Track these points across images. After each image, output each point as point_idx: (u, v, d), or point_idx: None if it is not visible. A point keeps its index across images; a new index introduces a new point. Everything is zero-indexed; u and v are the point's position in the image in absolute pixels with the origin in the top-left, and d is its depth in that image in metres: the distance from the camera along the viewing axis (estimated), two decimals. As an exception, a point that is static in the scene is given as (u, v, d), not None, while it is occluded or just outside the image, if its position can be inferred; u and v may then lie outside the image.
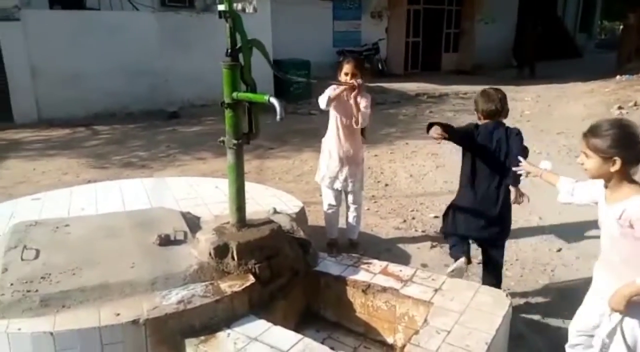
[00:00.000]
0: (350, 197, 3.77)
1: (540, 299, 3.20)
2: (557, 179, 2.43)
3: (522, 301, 3.17)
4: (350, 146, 3.61)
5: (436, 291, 2.52)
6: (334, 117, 3.60)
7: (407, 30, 15.75)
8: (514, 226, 4.16)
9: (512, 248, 3.96)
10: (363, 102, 3.48)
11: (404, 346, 2.14)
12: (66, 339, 1.96)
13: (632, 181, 2.00)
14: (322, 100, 3.52)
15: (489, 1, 16.43)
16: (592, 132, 2.02)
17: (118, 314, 2.04)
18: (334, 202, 3.71)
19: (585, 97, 10.36)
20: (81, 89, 8.87)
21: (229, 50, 2.35)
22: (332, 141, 3.62)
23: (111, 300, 2.14)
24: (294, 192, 4.02)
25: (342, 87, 3.45)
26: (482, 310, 2.36)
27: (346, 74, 3.45)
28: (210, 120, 8.97)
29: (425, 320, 2.30)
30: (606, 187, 2.07)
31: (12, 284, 2.16)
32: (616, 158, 1.94)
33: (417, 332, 2.21)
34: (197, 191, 3.64)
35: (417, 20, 15.82)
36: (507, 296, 2.51)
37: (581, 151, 2.07)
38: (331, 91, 3.52)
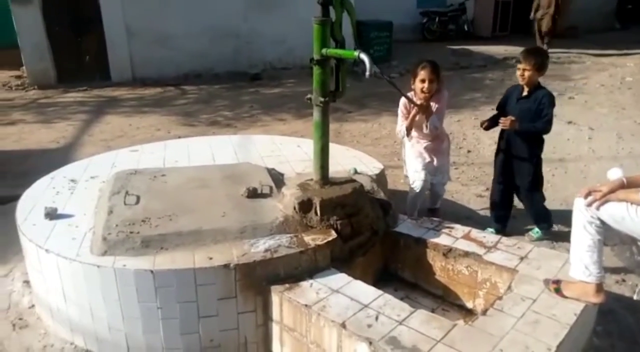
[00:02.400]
0: (435, 185, 3.71)
1: (633, 276, 3.01)
2: (638, 195, 2.08)
3: (614, 277, 3.00)
4: (437, 144, 3.52)
5: (522, 259, 2.44)
6: (414, 128, 3.47)
7: (497, -11, 14.73)
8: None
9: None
10: (436, 105, 3.34)
11: (485, 311, 2.11)
12: (164, 277, 2.14)
13: None
14: (400, 133, 3.48)
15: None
16: None
17: (211, 258, 2.18)
18: (422, 192, 3.50)
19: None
20: (171, 49, 9.26)
21: (321, 6, 2.33)
22: (414, 151, 3.53)
23: (204, 245, 2.29)
24: (372, 155, 4.00)
25: (413, 114, 3.32)
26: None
27: (422, 81, 3.28)
28: (291, 83, 9.07)
29: (509, 287, 2.25)
30: None
31: (117, 225, 2.37)
32: None
33: (500, 298, 2.17)
34: (280, 149, 3.73)
35: (508, -22, 14.74)
36: (599, 269, 2.38)
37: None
38: (402, 116, 3.44)
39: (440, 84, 3.39)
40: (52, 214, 2.59)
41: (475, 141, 5.67)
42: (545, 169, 4.67)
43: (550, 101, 3.20)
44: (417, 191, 3.46)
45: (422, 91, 3.31)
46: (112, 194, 2.70)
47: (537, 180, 3.43)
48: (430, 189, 3.69)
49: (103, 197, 2.76)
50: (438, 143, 3.53)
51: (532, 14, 11.34)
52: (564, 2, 12.33)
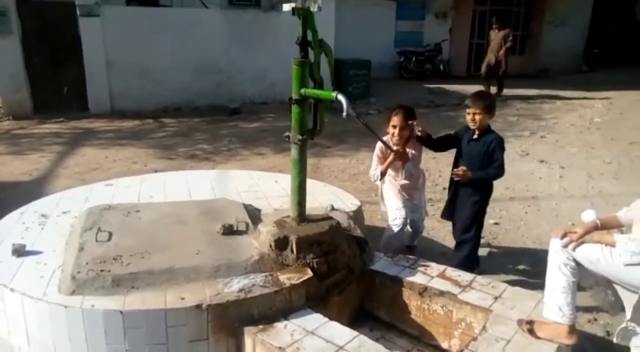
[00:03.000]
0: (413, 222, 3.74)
1: (605, 316, 3.04)
2: (612, 237, 2.15)
3: (586, 316, 3.03)
4: (409, 187, 3.54)
5: (496, 298, 2.46)
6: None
7: (471, 32, 15.34)
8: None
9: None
10: (412, 152, 3.38)
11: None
12: (134, 318, 2.07)
13: None
14: (373, 177, 3.52)
15: (559, 2, 15.69)
16: None
17: (183, 298, 2.14)
18: (400, 231, 3.49)
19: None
20: (151, 82, 9.30)
21: (300, 47, 2.39)
22: (392, 188, 3.56)
23: (177, 284, 2.24)
24: (349, 191, 4.03)
25: (389, 161, 3.37)
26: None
27: (394, 127, 3.32)
28: (270, 117, 9.15)
29: (484, 327, 2.25)
30: None
31: (87, 263, 2.31)
32: None
33: (475, 339, 2.17)
34: (258, 185, 3.73)
35: (482, 21, 15.37)
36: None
37: None
38: (376, 160, 3.48)
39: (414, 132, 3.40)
40: (19, 251, 2.52)
41: (451, 178, 5.75)
42: (519, 207, 4.80)
43: (500, 145, 3.20)
44: (397, 229, 3.45)
45: (393, 136, 3.36)
46: (84, 230, 2.64)
47: (474, 224, 3.31)
48: (410, 225, 3.71)
49: (74, 233, 2.69)
50: (414, 181, 3.57)
51: (483, 67, 11.28)
52: (537, 43, 12.76)
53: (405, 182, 3.53)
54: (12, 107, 8.60)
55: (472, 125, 3.22)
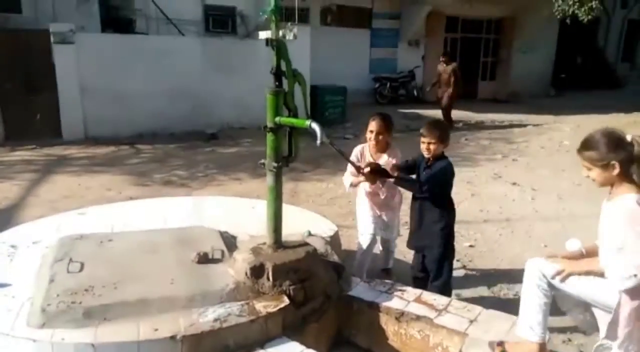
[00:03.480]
0: (384, 241, 3.77)
1: (579, 336, 3.09)
2: (598, 265, 2.24)
3: (560, 337, 3.07)
4: (383, 204, 3.54)
5: (471, 322, 2.48)
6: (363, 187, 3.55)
7: (444, 58, 15.78)
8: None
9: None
10: (393, 161, 3.39)
11: (437, 377, 2.11)
12: (106, 351, 2.03)
13: (631, 181, 2.15)
14: (346, 185, 3.54)
15: (527, 31, 16.30)
16: (585, 146, 2.22)
17: (156, 330, 2.10)
18: (369, 250, 3.51)
19: (628, 128, 10.06)
20: (127, 109, 9.24)
21: (274, 77, 2.43)
22: (364, 205, 3.55)
23: (150, 315, 2.20)
24: (327, 215, 4.05)
25: (358, 180, 3.39)
26: (520, 345, 2.31)
27: (371, 132, 3.39)
28: (247, 143, 9.16)
29: (460, 351, 2.26)
30: (610, 192, 2.23)
31: (58, 295, 2.26)
32: (614, 162, 2.13)
33: (451, 363, 2.18)
34: (234, 211, 3.72)
35: (454, 48, 15.84)
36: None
37: (583, 166, 2.25)
38: (349, 175, 3.49)
39: (390, 139, 3.47)
40: (-13, 284, 2.45)
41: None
42: (492, 229, 4.87)
43: (441, 171, 3.13)
44: (365, 246, 3.47)
45: (370, 140, 3.41)
46: (55, 261, 2.59)
47: (446, 250, 3.21)
48: (381, 244, 3.72)
49: (45, 264, 2.63)
50: (388, 198, 3.56)
51: (429, 87, 11.48)
52: (507, 69, 13.00)
53: (379, 198, 3.51)
54: (-18, 134, 8.43)
55: (426, 154, 3.20)
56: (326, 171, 7.19)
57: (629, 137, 2.15)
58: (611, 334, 2.19)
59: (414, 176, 3.30)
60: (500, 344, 2.28)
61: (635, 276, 2.01)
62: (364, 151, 3.53)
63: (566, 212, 5.42)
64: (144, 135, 9.34)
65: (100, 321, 2.15)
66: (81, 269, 2.49)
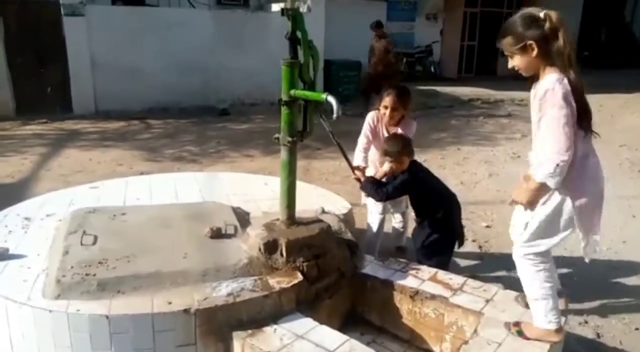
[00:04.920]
0: (397, 215, 3.73)
1: (596, 319, 3.05)
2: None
3: (577, 318, 3.03)
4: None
5: (487, 301, 2.44)
6: (373, 152, 3.51)
7: (462, 34, 15.44)
8: (570, 242, 4.01)
9: (569, 265, 3.81)
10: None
11: (452, 356, 2.08)
12: (120, 323, 2.02)
13: (554, 65, 2.04)
14: (357, 159, 3.51)
15: (549, 6, 15.81)
16: (502, 33, 2.12)
17: (170, 303, 2.09)
18: (379, 227, 3.50)
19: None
20: (137, 83, 9.19)
21: (289, 48, 2.36)
22: (377, 164, 3.51)
23: (163, 288, 2.19)
24: (340, 193, 4.00)
25: (353, 177, 3.39)
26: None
27: (385, 107, 3.31)
28: (259, 119, 9.10)
29: (475, 330, 2.23)
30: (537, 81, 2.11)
31: (72, 267, 2.25)
32: (530, 42, 2.03)
33: (466, 343, 2.15)
34: (246, 187, 3.68)
35: (473, 23, 15.49)
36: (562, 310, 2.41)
37: (507, 57, 2.15)
38: (364, 138, 3.47)
39: (408, 113, 3.39)
40: (2, 255, 2.45)
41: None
42: (510, 209, 4.78)
43: (400, 182, 3.13)
44: (375, 227, 3.43)
45: (384, 116, 3.33)
46: (69, 234, 2.58)
47: (431, 246, 3.17)
48: (394, 220, 3.68)
49: (59, 236, 2.63)
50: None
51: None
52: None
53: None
54: (-5, 108, 8.46)
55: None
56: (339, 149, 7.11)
57: (542, 14, 2.02)
58: (582, 225, 2.13)
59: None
60: (517, 324, 2.24)
61: (557, 166, 1.96)
62: (377, 122, 3.44)
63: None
64: (155, 110, 9.31)
65: (114, 293, 2.14)
66: (94, 242, 2.48)
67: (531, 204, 2.15)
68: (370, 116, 3.46)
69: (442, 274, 2.69)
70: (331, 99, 2.20)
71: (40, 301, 2.09)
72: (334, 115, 2.19)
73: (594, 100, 8.81)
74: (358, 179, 3.30)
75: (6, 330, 2.17)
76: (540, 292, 2.20)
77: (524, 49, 2.06)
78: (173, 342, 2.06)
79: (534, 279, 2.21)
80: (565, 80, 2.01)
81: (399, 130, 3.35)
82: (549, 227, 2.15)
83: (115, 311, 2.04)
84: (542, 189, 2.08)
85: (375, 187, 3.19)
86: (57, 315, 2.03)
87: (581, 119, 2.04)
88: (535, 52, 2.04)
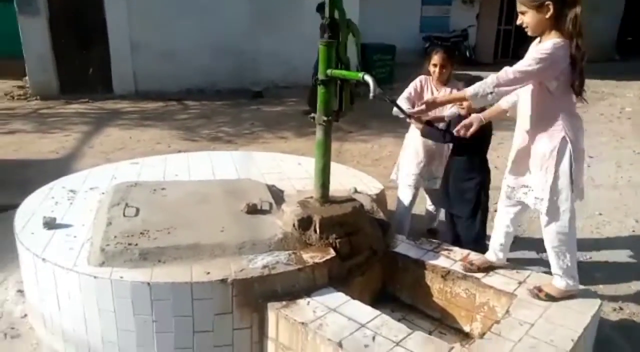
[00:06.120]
0: (431, 195, 3.71)
1: (631, 305, 3.00)
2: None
3: (611, 305, 2.99)
4: (433, 151, 3.42)
5: (520, 283, 2.44)
6: (413, 134, 3.46)
7: (499, 18, 15.00)
8: (607, 228, 3.93)
9: (604, 250, 3.74)
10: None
11: (482, 334, 2.10)
12: (161, 290, 2.12)
13: (561, 30, 2.12)
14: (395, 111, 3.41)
15: (595, -10, 15.16)
16: None
17: (208, 273, 2.17)
18: (410, 204, 3.49)
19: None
20: (175, 64, 9.35)
21: (327, 27, 2.37)
22: (411, 149, 3.47)
23: (202, 259, 2.27)
24: (371, 176, 4.02)
25: (415, 124, 3.29)
26: (570, 307, 2.26)
27: (434, 65, 3.30)
28: (293, 101, 9.13)
29: (507, 311, 2.23)
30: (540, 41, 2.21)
31: (115, 237, 2.36)
32: (548, 2, 2.08)
33: (498, 322, 2.16)
34: (281, 166, 3.74)
35: (511, 7, 14.95)
36: (597, 296, 2.38)
37: (519, 13, 2.20)
38: (407, 96, 3.38)
39: (453, 73, 3.37)
40: (50, 224, 2.58)
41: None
42: (544, 195, 4.71)
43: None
44: (406, 202, 3.43)
45: (433, 74, 3.32)
46: (112, 206, 2.70)
47: (476, 208, 3.11)
48: (428, 195, 3.66)
49: (102, 208, 2.75)
50: (440, 145, 3.40)
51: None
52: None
53: (435, 144, 3.35)
54: (39, 87, 8.76)
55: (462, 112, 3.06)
56: (371, 132, 7.11)
57: None
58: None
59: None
60: (539, 289, 2.33)
61: (491, 93, 2.16)
62: (425, 83, 3.41)
63: (624, 180, 5.18)
64: (191, 92, 9.47)
65: (155, 262, 2.24)
66: (136, 214, 2.59)
67: (438, 104, 2.62)
68: (418, 79, 3.44)
69: (474, 256, 2.68)
70: (368, 78, 2.21)
71: (86, 268, 2.21)
72: (371, 95, 2.20)
73: (637, 87, 8.51)
74: (418, 119, 3.18)
75: (54, 294, 2.31)
76: (574, 247, 2.30)
77: (540, 7, 2.10)
78: (211, 310, 2.15)
79: (573, 235, 2.29)
80: (566, 46, 2.10)
81: (448, 90, 3.30)
82: (566, 180, 2.24)
83: (157, 279, 2.14)
84: (460, 100, 2.50)
85: (438, 129, 3.16)
86: (101, 281, 2.15)
87: (574, 83, 2.18)
88: (550, 13, 2.09)
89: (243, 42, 9.86)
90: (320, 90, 2.49)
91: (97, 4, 8.84)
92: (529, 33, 2.24)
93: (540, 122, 2.27)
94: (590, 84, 11.05)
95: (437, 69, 3.30)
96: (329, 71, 2.43)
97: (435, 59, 3.31)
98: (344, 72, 2.42)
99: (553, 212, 2.27)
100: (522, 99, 2.35)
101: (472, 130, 2.73)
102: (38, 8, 8.50)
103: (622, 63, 15.03)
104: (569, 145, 2.21)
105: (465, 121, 2.77)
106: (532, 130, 2.31)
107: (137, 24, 9.02)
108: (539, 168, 2.29)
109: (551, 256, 2.34)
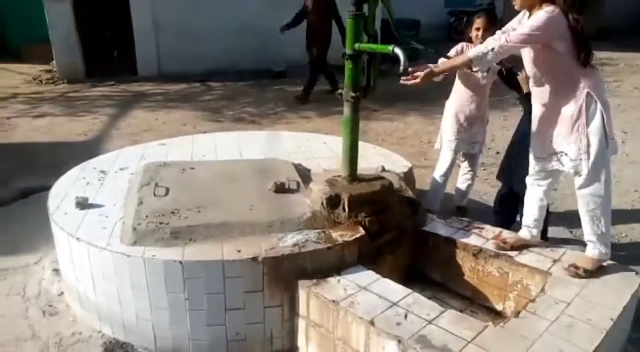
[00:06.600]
0: (466, 162, 3.65)
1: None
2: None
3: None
4: (477, 107, 3.40)
5: (555, 261, 2.38)
6: (459, 77, 3.45)
7: (526, -10, 14.48)
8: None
9: (634, 226, 3.63)
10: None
11: (518, 313, 2.06)
12: (193, 268, 2.14)
13: (552, 3, 2.17)
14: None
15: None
16: None
17: (239, 251, 2.18)
18: (448, 170, 3.49)
19: None
20: (197, 45, 9.32)
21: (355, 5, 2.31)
22: (458, 102, 3.43)
23: (232, 237, 2.28)
24: (397, 154, 3.96)
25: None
26: (608, 286, 2.21)
27: (477, 29, 3.26)
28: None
29: (543, 289, 2.19)
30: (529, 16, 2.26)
31: (146, 216, 2.38)
32: None
33: (533, 301, 2.12)
34: (306, 146, 3.72)
35: (539, -23, 14.46)
36: (637, 274, 2.31)
37: None
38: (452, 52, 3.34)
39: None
40: (83, 204, 2.62)
41: (505, 142, 5.50)
42: (577, 172, 4.58)
43: None
44: (445, 165, 3.45)
45: (477, 38, 3.26)
46: (142, 186, 2.72)
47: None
48: (467, 160, 3.63)
49: (133, 188, 2.78)
50: (484, 108, 3.45)
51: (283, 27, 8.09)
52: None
53: (470, 105, 3.37)
54: (66, 71, 8.85)
55: None
56: (396, 111, 7.00)
57: None
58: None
59: None
60: (575, 266, 2.29)
61: (490, 50, 2.25)
62: (466, 49, 3.34)
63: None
64: (214, 73, 9.45)
65: (186, 241, 2.26)
66: (166, 194, 2.61)
67: (437, 73, 2.49)
68: (460, 44, 3.43)
69: (506, 234, 2.63)
70: (398, 51, 2.14)
71: (119, 247, 2.25)
72: (401, 68, 2.15)
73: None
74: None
75: (89, 273, 2.35)
76: (609, 211, 2.29)
77: None
78: (242, 288, 2.16)
79: (609, 197, 2.29)
80: (560, 12, 2.14)
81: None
82: (601, 135, 2.23)
83: (188, 257, 2.15)
84: (464, 65, 2.55)
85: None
86: (134, 260, 2.18)
87: (579, 55, 2.23)
88: None
89: (264, 21, 9.73)
90: (348, 65, 2.44)
91: (119, -15, 8.85)
92: (516, 7, 2.31)
93: (558, 84, 2.28)
94: (623, 57, 10.70)
95: (479, 33, 3.24)
96: (356, 45, 2.37)
97: (478, 22, 3.26)
98: (372, 46, 2.36)
99: (591, 172, 2.24)
100: (531, 69, 2.36)
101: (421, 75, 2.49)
102: (62, -8, 8.55)
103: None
104: (595, 99, 2.22)
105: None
106: (552, 95, 2.31)
107: (159, 5, 9.00)
108: (570, 130, 2.28)
109: (585, 221, 2.33)
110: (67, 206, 2.65)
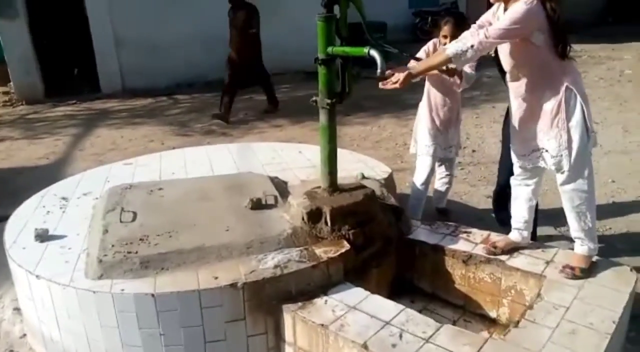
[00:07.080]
0: (443, 167, 3.57)
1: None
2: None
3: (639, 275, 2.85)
4: (450, 109, 3.32)
5: (548, 263, 2.29)
6: (430, 80, 3.35)
7: (488, -12, 14.70)
8: (623, 195, 3.79)
9: (622, 219, 3.60)
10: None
11: (517, 322, 1.95)
12: (167, 300, 1.96)
13: None
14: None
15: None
16: None
17: (216, 278, 2.01)
18: (429, 175, 3.40)
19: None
20: (161, 58, 9.07)
21: (325, 2, 2.18)
22: (432, 106, 3.34)
23: (208, 263, 2.12)
24: (374, 159, 3.86)
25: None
26: (604, 285, 2.13)
27: (445, 37, 3.14)
28: (285, 88, 8.89)
29: (539, 294, 2.09)
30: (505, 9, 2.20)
31: (113, 246, 2.20)
32: None
33: (531, 308, 2.01)
34: (281, 156, 3.57)
35: (499, -25, 14.69)
36: (631, 270, 2.24)
37: None
38: (422, 53, 3.25)
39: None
40: (42, 236, 2.41)
41: (479, 140, 5.53)
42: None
43: None
44: (425, 171, 3.35)
45: (443, 45, 3.17)
46: (107, 212, 2.53)
47: None
48: (444, 164, 3.55)
49: (97, 215, 2.58)
50: (457, 110, 3.38)
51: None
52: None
53: (443, 108, 3.30)
54: (24, 92, 8.48)
55: None
56: (369, 114, 6.92)
57: None
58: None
59: None
60: (571, 267, 2.21)
61: (470, 47, 2.16)
62: (439, 47, 3.25)
63: (634, 145, 5.03)
64: (181, 85, 9.23)
65: (158, 270, 2.08)
66: (134, 219, 2.43)
67: (414, 76, 2.35)
68: (431, 42, 3.30)
69: (495, 236, 2.53)
70: (374, 53, 2.03)
71: (84, 282, 2.05)
72: (378, 71, 2.03)
73: (634, 49, 8.28)
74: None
75: (52, 312, 2.15)
76: (594, 205, 2.25)
77: None
78: (222, 317, 1.99)
79: (592, 191, 2.24)
80: (538, 3, 2.07)
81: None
82: (582, 128, 2.18)
83: (161, 289, 1.98)
84: (443, 64, 2.40)
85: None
86: (101, 296, 1.99)
87: (557, 47, 2.14)
88: None
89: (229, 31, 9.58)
90: (322, 71, 2.32)
91: (76, 0, 8.54)
92: (491, 0, 2.26)
93: (536, 78, 2.22)
94: (587, 49, 10.90)
95: (447, 41, 3.12)
96: (329, 49, 2.24)
97: (446, 30, 3.16)
98: (346, 49, 2.24)
99: (573, 168, 2.19)
100: (508, 63, 2.30)
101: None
102: (16, 10, 8.18)
103: (616, 26, 14.77)
104: (575, 93, 2.16)
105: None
106: (530, 90, 2.24)
107: (119, 19, 8.72)
108: (550, 126, 2.22)
109: (571, 217, 2.27)
110: (25, 238, 2.44)
